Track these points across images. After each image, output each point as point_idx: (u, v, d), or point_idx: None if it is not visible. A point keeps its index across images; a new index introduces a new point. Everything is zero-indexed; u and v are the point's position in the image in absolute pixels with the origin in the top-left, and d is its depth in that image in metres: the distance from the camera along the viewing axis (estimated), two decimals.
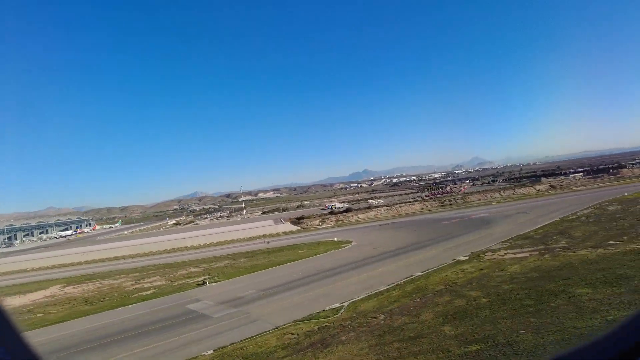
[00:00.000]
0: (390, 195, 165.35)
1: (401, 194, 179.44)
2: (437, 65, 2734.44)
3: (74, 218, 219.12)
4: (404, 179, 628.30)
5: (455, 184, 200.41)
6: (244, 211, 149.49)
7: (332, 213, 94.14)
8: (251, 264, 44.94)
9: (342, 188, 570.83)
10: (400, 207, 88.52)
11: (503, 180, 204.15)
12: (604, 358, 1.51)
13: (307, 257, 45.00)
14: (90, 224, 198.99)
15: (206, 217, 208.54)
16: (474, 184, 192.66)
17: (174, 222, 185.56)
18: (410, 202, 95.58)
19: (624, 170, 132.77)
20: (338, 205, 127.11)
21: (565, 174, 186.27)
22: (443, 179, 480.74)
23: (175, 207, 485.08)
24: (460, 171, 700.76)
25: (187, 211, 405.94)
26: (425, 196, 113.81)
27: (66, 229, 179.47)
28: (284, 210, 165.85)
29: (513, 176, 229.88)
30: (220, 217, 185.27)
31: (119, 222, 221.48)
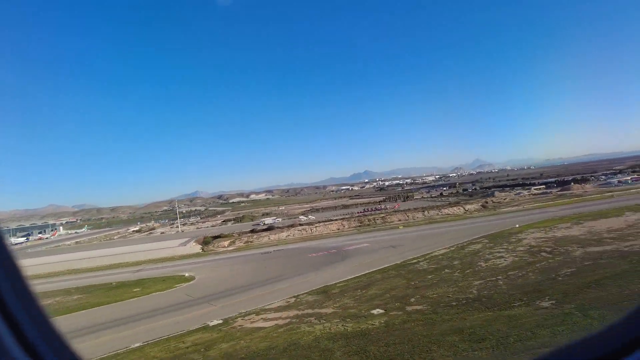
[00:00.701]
0: (344, 206, 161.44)
1: (359, 203, 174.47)
2: (440, 67, 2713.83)
3: (39, 222, 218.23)
4: (398, 182, 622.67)
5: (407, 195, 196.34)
6: (179, 222, 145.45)
7: (252, 231, 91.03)
8: (67, 306, 41.98)
9: (333, 190, 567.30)
10: (317, 227, 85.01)
11: (472, 190, 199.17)
12: (589, 358, 1.53)
13: (125, 299, 41.95)
14: (56, 228, 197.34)
15: (176, 224, 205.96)
16: (428, 193, 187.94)
17: (137, 229, 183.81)
18: (333, 220, 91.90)
19: (575, 185, 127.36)
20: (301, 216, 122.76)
21: (532, 184, 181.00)
22: (434, 183, 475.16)
23: (165, 208, 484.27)
24: (454, 174, 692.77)
25: (175, 213, 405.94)
26: (359, 212, 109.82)
27: (28, 235, 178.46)
28: (251, 219, 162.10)
29: (485, 185, 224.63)
30: (171, 225, 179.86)
31: (85, 227, 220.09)
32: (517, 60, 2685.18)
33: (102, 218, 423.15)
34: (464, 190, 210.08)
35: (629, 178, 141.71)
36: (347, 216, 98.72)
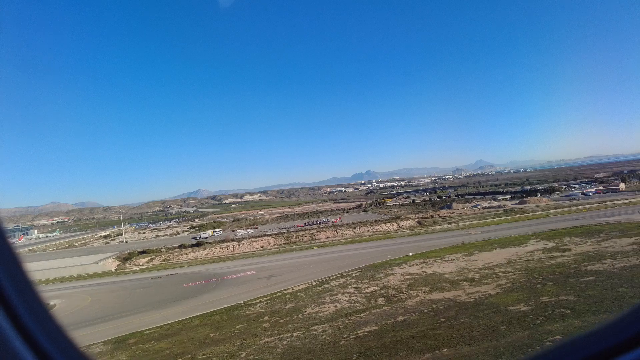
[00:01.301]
0: (316, 213, 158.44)
1: (331, 209, 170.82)
2: (445, 69, 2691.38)
3: (11, 226, 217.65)
4: (393, 183, 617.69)
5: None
6: (124, 229, 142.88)
7: (181, 247, 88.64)
8: None
9: (327, 192, 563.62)
10: (240, 245, 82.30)
11: (446, 197, 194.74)
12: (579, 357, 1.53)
13: None
14: (23, 233, 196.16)
15: (153, 227, 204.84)
16: (407, 199, 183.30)
17: (106, 233, 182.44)
18: (261, 237, 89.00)
19: (532, 198, 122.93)
20: (240, 232, 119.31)
21: (504, 192, 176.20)
22: (427, 186, 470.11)
23: (158, 208, 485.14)
24: (450, 176, 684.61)
25: (165, 214, 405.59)
26: (298, 225, 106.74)
27: None
28: (213, 227, 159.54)
29: (460, 192, 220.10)
30: (144, 230, 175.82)
31: (58, 231, 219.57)
32: (522, 62, 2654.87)
33: (93, 218, 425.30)
34: (439, 197, 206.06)
35: (593, 189, 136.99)
36: (282, 231, 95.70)
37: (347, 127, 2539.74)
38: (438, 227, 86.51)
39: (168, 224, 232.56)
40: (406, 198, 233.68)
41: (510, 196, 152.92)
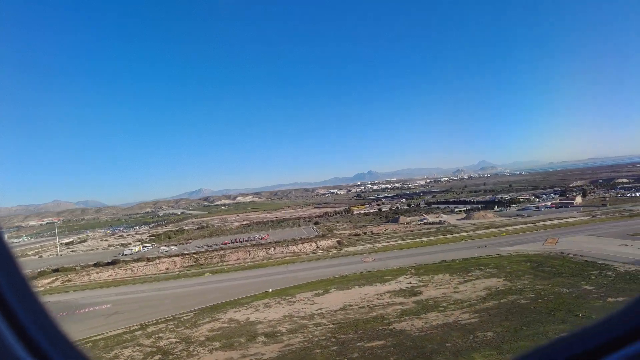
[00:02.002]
0: (284, 219, 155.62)
1: (305, 216, 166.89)
2: (448, 69, 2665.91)
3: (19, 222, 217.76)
4: (387, 186, 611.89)
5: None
6: (57, 241, 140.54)
7: (96, 265, 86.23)
8: None
9: (319, 194, 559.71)
10: (145, 266, 79.62)
11: (413, 206, 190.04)
12: (566, 356, 1.55)
13: None
14: None
15: (128, 232, 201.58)
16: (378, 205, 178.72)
17: (70, 240, 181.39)
18: (180, 255, 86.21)
19: (478, 213, 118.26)
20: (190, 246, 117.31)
21: (470, 202, 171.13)
22: (418, 189, 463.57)
23: (149, 209, 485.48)
24: (446, 178, 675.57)
25: (152, 215, 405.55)
26: (225, 242, 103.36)
27: None
28: (167, 239, 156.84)
29: (430, 201, 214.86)
30: (119, 234, 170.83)
31: (24, 237, 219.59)
32: (526, 63, 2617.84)
33: (82, 219, 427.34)
34: (408, 205, 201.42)
35: (548, 203, 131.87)
36: (202, 250, 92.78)
37: (350, 127, 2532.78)
38: (354, 247, 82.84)
39: (140, 229, 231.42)
40: (380, 204, 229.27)
41: (468, 207, 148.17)
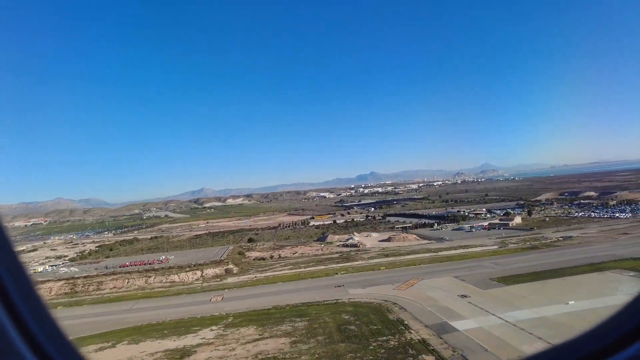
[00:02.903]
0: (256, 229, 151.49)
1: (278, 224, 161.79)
2: (452, 71, 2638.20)
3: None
4: (379, 189, 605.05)
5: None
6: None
7: None
8: None
9: (309, 198, 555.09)
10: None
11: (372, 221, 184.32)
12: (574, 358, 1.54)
13: None
14: None
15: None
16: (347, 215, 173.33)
17: (22, 248, 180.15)
18: (62, 280, 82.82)
19: (399, 235, 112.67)
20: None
21: (416, 216, 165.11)
22: (404, 195, 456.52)
23: (137, 210, 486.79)
24: (439, 182, 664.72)
25: (142, 217, 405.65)
26: (122, 265, 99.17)
27: None
28: (109, 250, 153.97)
29: (391, 212, 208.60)
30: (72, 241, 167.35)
31: None
32: (529, 66, 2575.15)
33: (68, 220, 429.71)
34: (367, 217, 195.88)
35: (485, 223, 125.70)
36: (94, 273, 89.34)
37: (354, 128, 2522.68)
38: (235, 278, 78.45)
39: (103, 235, 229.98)
40: (345, 214, 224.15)
41: (409, 224, 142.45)
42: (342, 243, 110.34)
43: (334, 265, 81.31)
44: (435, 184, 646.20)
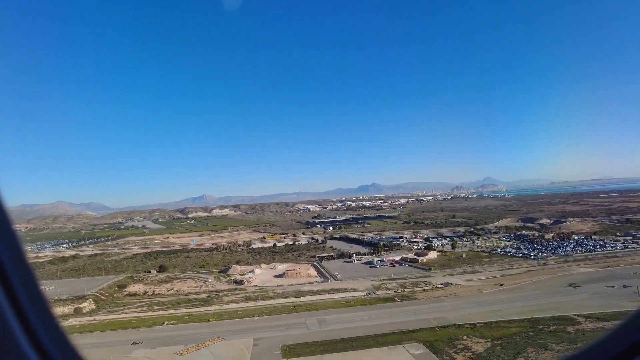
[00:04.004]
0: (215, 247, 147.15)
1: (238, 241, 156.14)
2: (456, 84, 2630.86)
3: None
4: (366, 203, 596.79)
5: None
6: None
7: None
8: None
9: (296, 210, 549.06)
10: None
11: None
12: None
13: None
14: None
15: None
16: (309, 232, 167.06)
17: None
18: None
19: (291, 272, 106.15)
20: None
21: (361, 243, 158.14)
22: (384, 212, 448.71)
23: (120, 219, 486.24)
24: (430, 197, 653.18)
25: (126, 227, 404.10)
26: None
27: None
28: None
29: (337, 236, 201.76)
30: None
31: None
32: (534, 80, 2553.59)
33: (47, 228, 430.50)
34: (313, 239, 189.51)
35: (397, 257, 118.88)
36: None
37: (357, 138, 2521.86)
38: (76, 320, 73.36)
39: (56, 248, 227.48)
40: (299, 235, 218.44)
41: (333, 254, 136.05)
42: (234, 278, 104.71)
43: (184, 311, 75.70)
44: (425, 199, 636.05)
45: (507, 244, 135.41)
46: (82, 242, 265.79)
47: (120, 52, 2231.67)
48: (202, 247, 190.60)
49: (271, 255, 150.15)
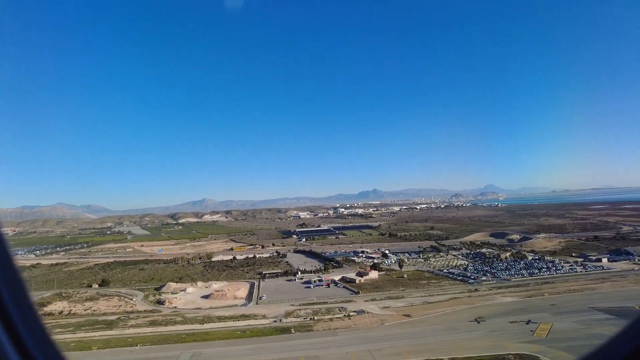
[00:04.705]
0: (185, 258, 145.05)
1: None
2: (460, 90, 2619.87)
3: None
4: (357, 210, 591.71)
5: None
6: None
7: None
8: None
9: (287, 217, 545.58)
10: None
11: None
12: None
13: None
14: None
15: None
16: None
17: None
18: None
19: (216, 293, 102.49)
20: None
21: (319, 257, 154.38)
22: (377, 218, 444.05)
23: (110, 224, 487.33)
24: (424, 205, 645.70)
25: (112, 233, 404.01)
26: None
27: None
28: None
29: (298, 249, 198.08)
30: None
31: None
32: (538, 87, 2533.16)
33: (34, 232, 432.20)
34: (277, 252, 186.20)
35: (336, 277, 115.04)
36: None
37: (359, 144, 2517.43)
38: None
39: (28, 256, 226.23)
40: (269, 245, 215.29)
41: (279, 272, 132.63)
42: (157, 298, 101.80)
43: (80, 335, 72.71)
44: (418, 207, 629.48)
45: (460, 263, 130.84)
46: (58, 249, 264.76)
47: (124, 55, 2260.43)
48: (165, 259, 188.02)
49: (224, 269, 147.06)
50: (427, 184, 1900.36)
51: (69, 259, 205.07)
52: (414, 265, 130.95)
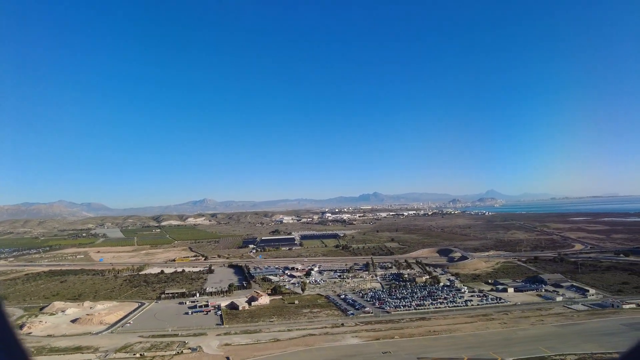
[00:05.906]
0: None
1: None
2: (463, 95, 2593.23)
3: None
4: (349, 215, 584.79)
5: None
6: None
7: None
8: None
9: (270, 222, 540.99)
10: None
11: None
12: None
13: None
14: None
15: None
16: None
17: None
18: None
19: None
20: None
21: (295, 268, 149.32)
22: (367, 224, 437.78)
23: (90, 225, 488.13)
24: (412, 211, 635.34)
25: (89, 235, 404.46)
26: None
27: None
28: None
29: (234, 263, 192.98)
30: None
31: None
32: (540, 94, 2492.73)
33: (11, 232, 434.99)
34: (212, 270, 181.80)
35: (223, 303, 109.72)
36: None
37: (360, 147, 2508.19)
38: None
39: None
40: (226, 256, 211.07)
41: (184, 291, 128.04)
42: (21, 322, 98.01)
43: None
44: (405, 213, 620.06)
45: (372, 285, 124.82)
46: (16, 253, 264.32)
47: (125, 54, 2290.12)
48: (99, 269, 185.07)
49: (136, 286, 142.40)
50: (429, 188, 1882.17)
51: (18, 265, 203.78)
52: (324, 287, 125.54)
